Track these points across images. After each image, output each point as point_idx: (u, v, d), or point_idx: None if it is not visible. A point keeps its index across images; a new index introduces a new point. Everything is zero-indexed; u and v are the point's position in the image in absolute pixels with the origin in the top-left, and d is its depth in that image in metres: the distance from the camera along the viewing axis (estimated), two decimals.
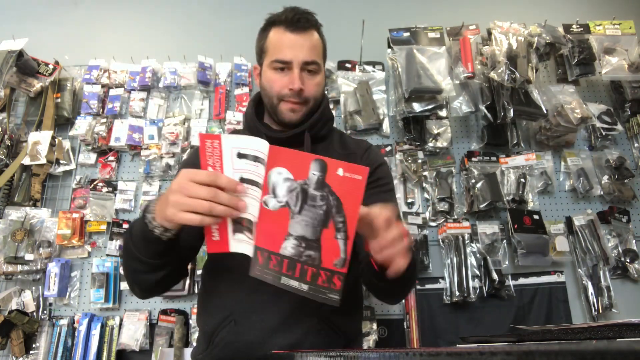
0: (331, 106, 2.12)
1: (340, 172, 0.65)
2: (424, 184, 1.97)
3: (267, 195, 0.69)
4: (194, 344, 1.75)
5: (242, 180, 0.71)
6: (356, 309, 1.07)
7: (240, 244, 0.74)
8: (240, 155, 0.70)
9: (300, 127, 1.02)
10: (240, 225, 0.72)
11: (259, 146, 0.70)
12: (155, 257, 0.80)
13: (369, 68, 2.15)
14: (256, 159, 0.70)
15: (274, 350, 0.91)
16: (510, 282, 1.84)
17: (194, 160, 0.96)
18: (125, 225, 1.92)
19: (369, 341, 1.73)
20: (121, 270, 1.83)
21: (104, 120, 2.06)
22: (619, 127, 2.00)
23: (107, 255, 1.89)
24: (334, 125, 1.16)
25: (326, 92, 2.09)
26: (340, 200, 0.66)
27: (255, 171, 0.70)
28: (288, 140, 1.03)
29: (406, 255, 0.70)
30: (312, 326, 0.95)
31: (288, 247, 0.69)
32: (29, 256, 1.81)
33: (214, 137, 0.70)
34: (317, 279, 0.68)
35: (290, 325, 0.94)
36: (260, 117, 1.09)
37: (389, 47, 1.99)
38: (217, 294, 1.01)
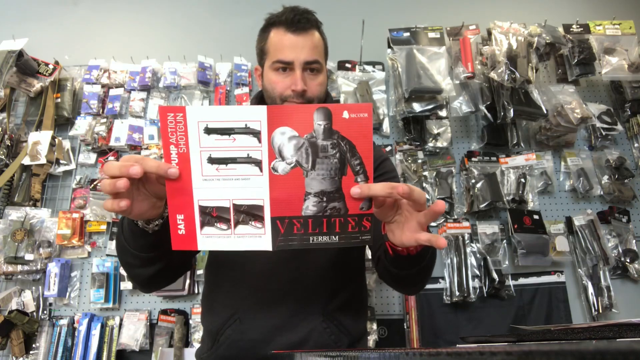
0: None
1: (345, 114, 0.62)
2: (424, 184, 1.97)
3: (274, 160, 0.63)
4: (194, 344, 1.76)
5: (212, 160, 0.63)
6: (361, 309, 1.07)
7: (210, 239, 0.66)
8: (209, 131, 0.62)
9: None
10: (210, 216, 0.65)
11: (246, 114, 0.62)
12: (146, 250, 0.76)
13: (369, 68, 2.15)
14: (230, 131, 0.62)
15: (274, 351, 0.91)
16: (510, 282, 1.84)
17: None
18: None
19: (369, 341, 1.73)
20: (122, 270, 1.84)
21: (104, 120, 2.06)
22: (619, 127, 2.00)
23: (107, 255, 1.89)
24: None
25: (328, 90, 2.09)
26: (352, 142, 0.63)
27: (233, 147, 0.63)
28: None
29: (424, 231, 0.65)
30: (318, 324, 0.95)
31: (310, 206, 0.65)
32: (29, 256, 1.81)
33: (177, 110, 0.61)
34: (346, 227, 0.65)
35: (296, 324, 0.94)
36: None
37: (389, 47, 1.99)
38: (221, 292, 1.01)
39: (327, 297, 0.97)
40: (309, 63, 0.96)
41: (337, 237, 0.66)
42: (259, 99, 1.08)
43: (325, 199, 0.65)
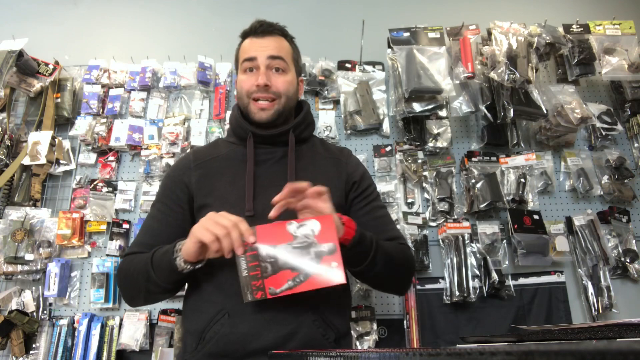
0: (331, 106, 2.13)
1: (333, 264, 0.86)
2: (424, 184, 1.97)
3: (295, 221, 0.88)
4: None
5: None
6: (345, 306, 1.11)
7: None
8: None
9: (284, 127, 1.10)
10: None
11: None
12: (173, 283, 0.97)
13: (369, 68, 2.15)
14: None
15: (274, 351, 0.91)
16: (510, 282, 1.84)
17: (176, 174, 1.12)
18: (125, 226, 1.92)
19: (369, 341, 1.73)
20: None
21: (104, 120, 2.06)
22: (619, 127, 2.00)
23: (107, 255, 1.88)
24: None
25: (326, 92, 2.09)
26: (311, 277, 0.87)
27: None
28: (273, 138, 1.10)
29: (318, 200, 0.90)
30: (307, 317, 0.96)
31: (264, 250, 0.88)
32: (29, 256, 1.81)
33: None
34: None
35: (285, 317, 0.95)
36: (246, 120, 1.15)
37: (389, 47, 1.99)
38: (207, 291, 1.01)
39: (314, 291, 0.98)
40: (272, 58, 1.06)
41: (245, 274, 0.90)
42: (239, 107, 1.16)
43: (270, 259, 0.88)
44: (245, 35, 1.12)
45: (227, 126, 2.05)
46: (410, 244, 1.86)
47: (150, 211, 1.12)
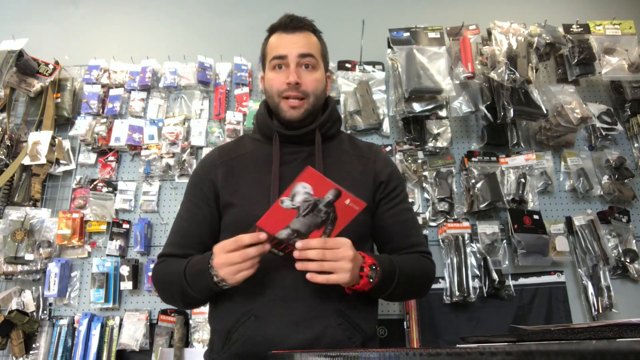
0: None
1: (347, 201, 0.84)
2: (424, 184, 1.97)
3: (285, 197, 0.82)
4: (194, 344, 1.76)
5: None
6: (372, 309, 1.09)
7: None
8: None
9: (310, 126, 1.07)
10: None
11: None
12: (209, 295, 0.98)
13: (369, 68, 2.15)
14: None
15: (274, 351, 0.91)
16: (510, 282, 1.84)
17: (202, 172, 1.12)
18: (125, 225, 1.92)
19: None
20: (121, 271, 1.83)
21: (104, 120, 2.06)
22: (619, 127, 2.00)
23: (107, 255, 1.88)
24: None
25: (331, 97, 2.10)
26: (337, 217, 0.86)
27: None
28: (299, 138, 1.07)
29: (342, 271, 0.87)
30: (333, 320, 0.96)
31: (283, 234, 0.86)
32: (29, 256, 1.81)
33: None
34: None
35: (311, 320, 0.95)
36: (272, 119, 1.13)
37: (389, 47, 1.99)
38: (235, 291, 1.00)
39: (340, 295, 0.97)
40: (303, 56, 1.04)
41: (283, 253, 0.92)
42: (265, 105, 1.14)
43: (295, 235, 0.87)
44: (273, 30, 1.09)
45: (226, 126, 2.06)
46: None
47: (179, 210, 1.11)
